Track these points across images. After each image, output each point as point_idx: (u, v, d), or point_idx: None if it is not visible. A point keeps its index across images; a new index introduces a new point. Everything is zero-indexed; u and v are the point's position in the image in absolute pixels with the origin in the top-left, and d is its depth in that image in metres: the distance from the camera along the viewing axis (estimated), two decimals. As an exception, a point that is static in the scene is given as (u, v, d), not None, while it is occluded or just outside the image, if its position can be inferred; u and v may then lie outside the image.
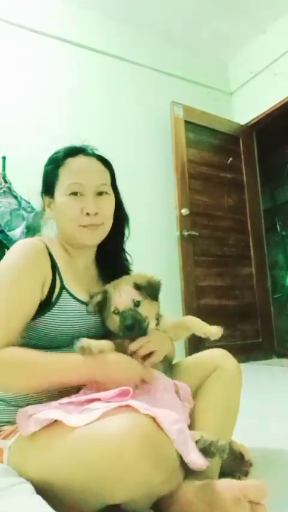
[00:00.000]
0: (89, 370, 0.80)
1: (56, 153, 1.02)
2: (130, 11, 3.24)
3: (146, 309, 0.92)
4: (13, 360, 0.79)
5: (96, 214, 0.95)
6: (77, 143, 1.04)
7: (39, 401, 0.88)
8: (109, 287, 0.95)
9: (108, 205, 1.00)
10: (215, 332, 0.98)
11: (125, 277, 0.98)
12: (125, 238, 1.11)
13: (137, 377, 0.84)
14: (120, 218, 1.07)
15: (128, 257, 1.13)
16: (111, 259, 1.08)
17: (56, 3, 3.08)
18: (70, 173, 0.96)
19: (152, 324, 0.94)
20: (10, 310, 0.84)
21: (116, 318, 0.91)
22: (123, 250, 1.11)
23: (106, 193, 0.99)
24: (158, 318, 0.97)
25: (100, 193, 0.97)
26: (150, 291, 0.93)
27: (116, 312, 0.92)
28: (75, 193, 0.95)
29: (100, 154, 1.03)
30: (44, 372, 0.80)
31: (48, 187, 1.00)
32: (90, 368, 0.80)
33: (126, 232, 1.10)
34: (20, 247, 0.92)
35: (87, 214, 0.94)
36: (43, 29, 2.98)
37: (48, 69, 2.97)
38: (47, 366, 0.80)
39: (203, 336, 0.98)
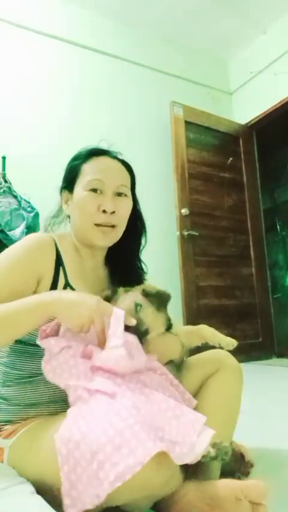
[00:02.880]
0: (42, 309, 0.78)
1: (80, 151, 1.03)
2: (130, 11, 3.24)
3: (148, 316, 0.90)
4: None
5: (112, 213, 0.95)
6: (103, 145, 1.04)
7: (41, 402, 0.88)
8: (121, 290, 0.95)
9: (125, 206, 1.00)
10: (229, 341, 0.98)
11: (138, 287, 0.96)
12: (141, 247, 1.11)
13: (87, 317, 0.77)
14: (138, 227, 1.07)
15: (144, 266, 1.12)
16: (124, 265, 1.07)
17: (56, 3, 3.08)
18: (93, 169, 0.97)
19: (154, 332, 0.92)
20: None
21: None
22: (138, 259, 1.11)
23: (125, 194, 0.99)
24: (170, 324, 0.96)
25: (119, 194, 0.98)
26: (157, 300, 0.92)
27: None
28: (95, 190, 0.95)
29: (124, 159, 1.04)
30: (9, 322, 0.78)
31: (69, 182, 1.00)
32: (44, 306, 0.78)
33: (142, 241, 1.10)
34: (23, 241, 0.93)
35: (104, 211, 0.94)
36: (43, 29, 2.98)
37: (49, 69, 2.97)
38: (10, 313, 0.78)
39: (216, 345, 0.98)
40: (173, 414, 0.70)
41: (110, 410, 0.67)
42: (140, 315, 0.89)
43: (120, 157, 1.03)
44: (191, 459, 0.66)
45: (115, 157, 1.01)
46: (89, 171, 0.97)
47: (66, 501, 0.60)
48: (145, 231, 1.10)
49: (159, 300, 0.93)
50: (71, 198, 1.00)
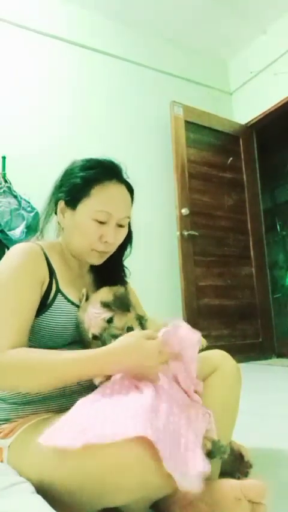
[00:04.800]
0: (102, 365, 0.79)
1: (91, 167, 0.99)
2: (130, 11, 3.25)
3: (122, 321, 0.90)
4: (20, 360, 0.78)
5: (112, 243, 0.98)
6: (109, 157, 1.02)
7: (37, 400, 0.88)
8: (80, 313, 0.93)
9: (122, 236, 1.02)
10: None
11: (92, 298, 0.95)
12: (126, 255, 1.12)
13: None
14: (126, 239, 1.08)
15: (127, 271, 1.14)
16: (108, 273, 1.08)
17: (56, 3, 3.08)
18: (102, 199, 0.95)
19: (135, 329, 0.92)
20: (15, 310, 0.83)
21: (98, 343, 0.88)
22: (122, 265, 1.13)
23: (125, 225, 1.01)
24: (142, 321, 0.95)
25: (121, 225, 0.99)
26: (118, 303, 0.92)
27: (95, 337, 0.89)
28: (100, 221, 0.95)
29: (128, 180, 1.03)
30: (52, 372, 0.79)
31: (74, 199, 0.97)
32: (102, 364, 0.79)
33: (128, 250, 1.11)
34: (18, 250, 0.92)
35: (105, 242, 0.96)
36: (43, 29, 2.98)
37: (48, 69, 2.97)
38: (56, 365, 0.79)
39: None
40: (185, 441, 0.69)
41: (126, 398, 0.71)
42: (115, 325, 0.88)
43: (125, 176, 1.02)
44: (178, 473, 0.63)
45: (122, 181, 1.00)
46: (97, 199, 0.95)
47: (45, 433, 0.67)
48: (131, 242, 1.11)
49: (120, 302, 0.92)
50: (69, 212, 0.98)
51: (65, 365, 0.78)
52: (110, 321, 0.89)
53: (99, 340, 0.88)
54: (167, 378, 0.84)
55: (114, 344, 0.80)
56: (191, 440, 0.69)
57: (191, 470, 0.64)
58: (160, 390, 0.78)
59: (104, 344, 0.86)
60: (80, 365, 0.79)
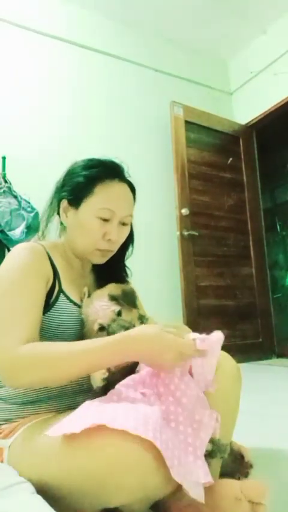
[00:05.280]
0: (122, 351, 0.78)
1: (93, 166, 0.99)
2: (130, 11, 3.24)
3: (128, 316, 0.91)
4: (37, 353, 0.76)
5: (115, 241, 0.98)
6: (111, 157, 1.03)
7: (39, 399, 0.88)
8: (84, 309, 0.93)
9: (126, 234, 1.03)
10: None
11: (97, 293, 0.95)
12: (127, 255, 1.13)
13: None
14: (127, 239, 1.08)
15: (128, 271, 1.15)
16: (109, 273, 1.09)
17: (56, 3, 3.08)
18: (106, 197, 0.96)
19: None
20: (24, 308, 0.83)
21: (103, 335, 0.87)
22: (123, 265, 1.13)
23: (128, 224, 1.02)
24: (143, 320, 0.96)
25: (124, 223, 1.00)
26: (126, 299, 0.93)
27: (101, 328, 0.88)
28: (104, 218, 0.95)
29: (130, 180, 1.03)
30: (73, 362, 0.77)
31: (77, 197, 0.98)
32: (121, 350, 0.78)
33: (129, 250, 1.12)
34: (23, 250, 0.92)
35: (109, 240, 0.97)
36: (43, 29, 2.98)
37: (48, 69, 2.97)
38: (76, 354, 0.77)
39: None
40: (193, 450, 0.71)
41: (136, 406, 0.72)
42: (123, 318, 0.89)
43: (126, 175, 1.03)
44: (183, 479, 0.65)
45: (124, 180, 1.01)
46: (100, 197, 0.96)
47: (53, 427, 0.68)
48: (132, 242, 1.11)
49: (128, 298, 0.93)
50: (72, 211, 0.99)
51: (84, 352, 0.77)
52: (119, 313, 0.89)
53: (106, 331, 0.87)
54: (179, 373, 0.84)
55: (133, 331, 0.79)
56: (199, 448, 0.70)
57: (200, 479, 0.66)
58: (169, 399, 0.79)
59: (109, 335, 0.85)
60: (99, 351, 0.77)
